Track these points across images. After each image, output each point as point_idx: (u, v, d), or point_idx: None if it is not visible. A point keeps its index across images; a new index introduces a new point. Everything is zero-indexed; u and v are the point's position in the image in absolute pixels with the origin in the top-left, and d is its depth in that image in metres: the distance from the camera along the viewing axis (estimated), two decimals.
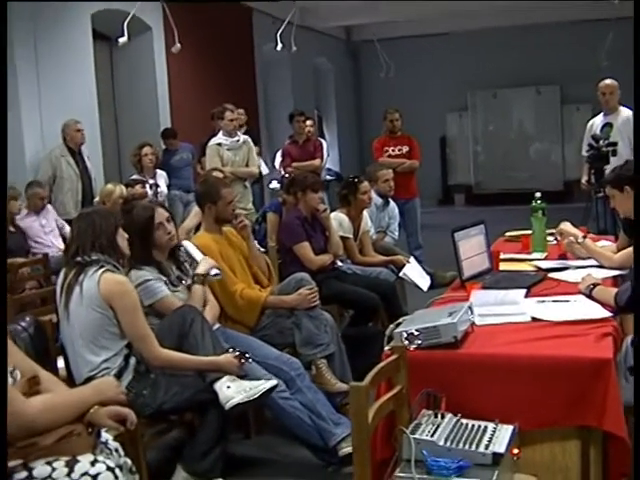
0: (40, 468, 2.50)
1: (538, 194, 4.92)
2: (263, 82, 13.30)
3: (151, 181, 8.10)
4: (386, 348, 2.98)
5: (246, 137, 7.97)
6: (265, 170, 10.20)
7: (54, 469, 2.50)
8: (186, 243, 4.52)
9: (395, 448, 2.62)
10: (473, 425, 2.63)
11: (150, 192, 7.91)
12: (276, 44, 11.40)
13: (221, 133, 7.82)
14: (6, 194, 3.34)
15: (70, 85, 8.49)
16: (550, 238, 4.89)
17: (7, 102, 3.64)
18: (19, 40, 7.88)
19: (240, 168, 7.71)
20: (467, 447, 2.49)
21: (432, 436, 2.52)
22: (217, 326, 4.26)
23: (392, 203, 7.22)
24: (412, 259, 6.24)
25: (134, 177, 7.97)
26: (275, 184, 9.51)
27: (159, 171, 8.43)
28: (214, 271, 4.32)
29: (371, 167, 7.53)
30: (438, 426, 2.59)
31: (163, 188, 8.28)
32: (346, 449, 3.96)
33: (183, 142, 9.66)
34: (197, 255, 4.46)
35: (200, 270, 4.29)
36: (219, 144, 7.71)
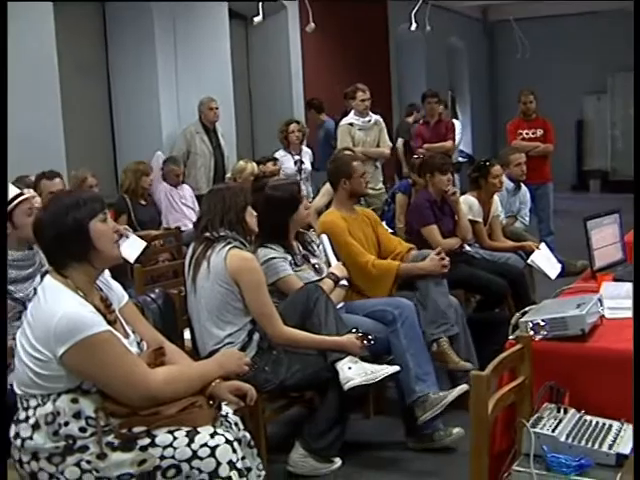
0: (162, 436, 2.58)
1: None
2: (396, 62, 13.21)
3: (296, 157, 8.19)
4: (510, 337, 2.92)
5: (377, 117, 7.92)
6: None
7: (175, 438, 2.57)
8: (324, 238, 4.55)
9: (514, 441, 2.56)
10: (597, 422, 2.55)
11: (294, 168, 8.02)
12: (410, 24, 11.28)
13: (353, 113, 7.81)
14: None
15: (206, 63, 8.66)
16: None
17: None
18: (158, 20, 8.11)
19: (371, 148, 7.69)
20: (590, 445, 2.41)
21: (553, 431, 2.45)
22: (341, 305, 4.27)
23: (524, 188, 7.05)
24: (543, 245, 6.07)
25: (279, 153, 8.07)
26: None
27: (305, 148, 8.49)
28: (344, 282, 4.34)
29: (504, 150, 7.38)
30: (560, 421, 2.52)
31: (307, 165, 8.35)
32: (421, 417, 3.96)
33: (330, 118, 9.58)
34: (331, 254, 4.48)
35: (337, 272, 4.31)
36: (351, 124, 7.71)
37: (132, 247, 5.80)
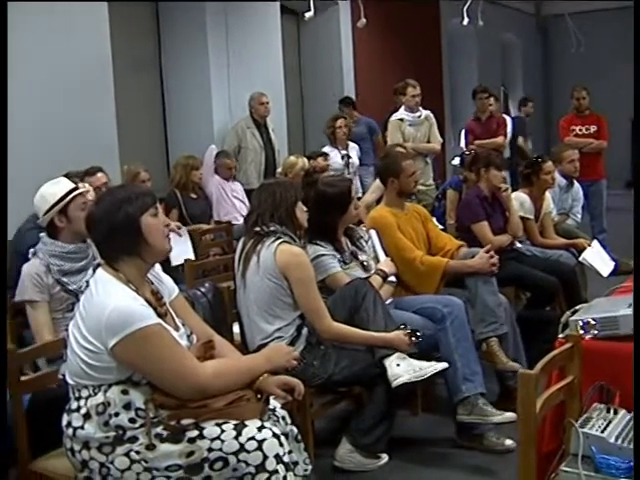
0: (210, 429, 2.60)
1: None
2: (448, 57, 13.13)
3: (343, 152, 8.22)
4: (560, 336, 2.89)
5: (428, 112, 7.90)
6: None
7: (223, 431, 2.59)
8: (373, 234, 4.54)
9: (562, 440, 2.53)
10: None
11: (342, 163, 8.05)
12: (462, 18, 11.19)
13: (403, 108, 7.80)
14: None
15: (258, 59, 8.70)
16: None
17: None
18: (210, 16, 8.17)
19: (421, 144, 7.66)
20: None
21: (602, 432, 2.41)
22: (389, 301, 4.26)
23: (576, 184, 6.97)
24: (595, 243, 6.00)
25: (326, 148, 8.11)
26: (457, 160, 9.38)
27: (351, 143, 8.52)
28: (392, 278, 4.33)
29: (556, 147, 7.31)
30: (610, 422, 2.48)
31: (354, 159, 8.37)
32: (461, 416, 3.95)
33: (363, 116, 9.64)
34: (380, 250, 4.47)
35: (385, 268, 4.30)
36: (401, 119, 7.69)
37: (180, 248, 5.79)
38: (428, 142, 7.77)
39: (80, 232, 3.64)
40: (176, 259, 5.34)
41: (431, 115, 7.91)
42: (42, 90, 6.13)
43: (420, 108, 7.82)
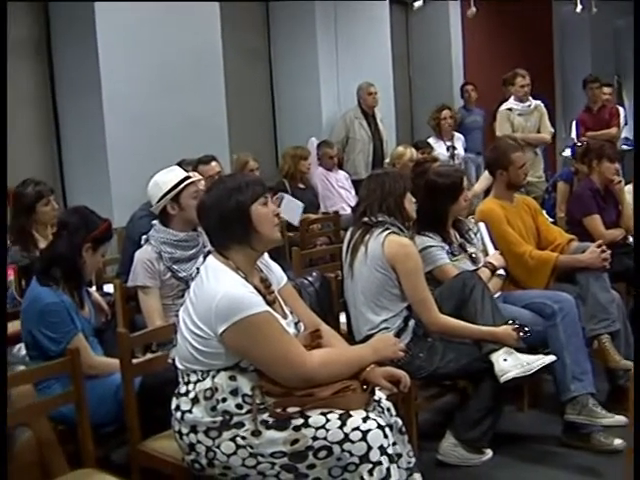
0: (315, 417, 2.60)
1: None
2: (559, 46, 12.82)
3: (448, 143, 8.18)
4: None
5: (538, 102, 7.74)
6: None
7: (328, 420, 2.59)
8: (482, 226, 4.48)
9: None
10: None
11: (447, 154, 8.01)
12: (575, 5, 10.90)
13: (512, 98, 7.67)
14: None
15: (366, 49, 8.71)
16: None
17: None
18: (320, 5, 8.21)
19: (531, 134, 7.51)
20: None
21: None
22: (497, 295, 4.19)
23: None
24: None
25: (431, 139, 8.07)
26: (568, 152, 9.19)
27: (456, 134, 8.46)
28: (501, 271, 4.27)
29: None
30: None
31: (460, 151, 8.31)
32: (569, 415, 3.85)
33: (476, 107, 9.59)
34: (489, 243, 4.41)
35: (494, 261, 4.25)
36: (510, 109, 7.57)
37: (290, 209, 6.01)
38: (538, 132, 7.61)
39: (191, 220, 3.71)
40: (293, 219, 6.07)
41: (541, 105, 7.75)
42: (157, 82, 6.29)
43: (530, 98, 7.67)
